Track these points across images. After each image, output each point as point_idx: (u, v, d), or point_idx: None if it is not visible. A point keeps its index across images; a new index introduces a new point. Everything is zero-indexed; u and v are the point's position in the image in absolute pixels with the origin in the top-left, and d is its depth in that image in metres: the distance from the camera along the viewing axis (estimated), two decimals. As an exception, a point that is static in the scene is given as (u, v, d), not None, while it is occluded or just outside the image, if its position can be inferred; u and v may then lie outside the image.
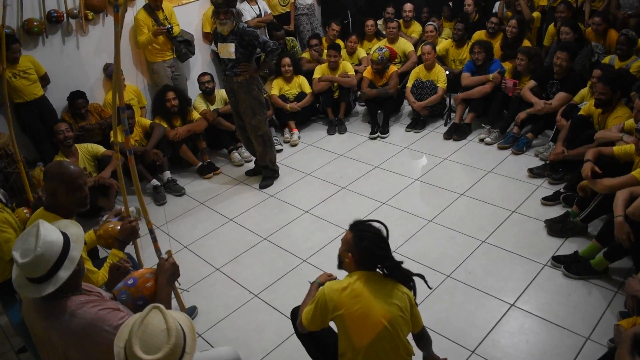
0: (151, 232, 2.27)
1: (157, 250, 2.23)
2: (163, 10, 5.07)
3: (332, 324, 2.06)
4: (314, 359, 2.35)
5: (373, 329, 1.95)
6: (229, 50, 4.04)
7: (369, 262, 2.03)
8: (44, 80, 4.65)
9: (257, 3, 5.89)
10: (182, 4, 5.50)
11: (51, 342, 1.75)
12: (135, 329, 1.42)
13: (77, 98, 4.65)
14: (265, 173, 4.60)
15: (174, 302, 2.36)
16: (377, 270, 2.06)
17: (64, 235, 1.74)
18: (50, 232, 1.69)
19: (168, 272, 2.03)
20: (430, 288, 2.19)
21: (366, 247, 2.00)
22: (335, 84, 5.55)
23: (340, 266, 2.15)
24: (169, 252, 2.12)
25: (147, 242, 2.56)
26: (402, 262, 2.07)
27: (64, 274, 1.67)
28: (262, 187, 4.54)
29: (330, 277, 2.32)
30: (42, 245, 1.64)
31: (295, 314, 2.31)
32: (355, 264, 2.05)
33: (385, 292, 2.00)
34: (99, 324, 1.67)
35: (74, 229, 1.83)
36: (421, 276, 2.11)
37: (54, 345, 1.74)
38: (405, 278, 2.07)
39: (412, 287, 2.10)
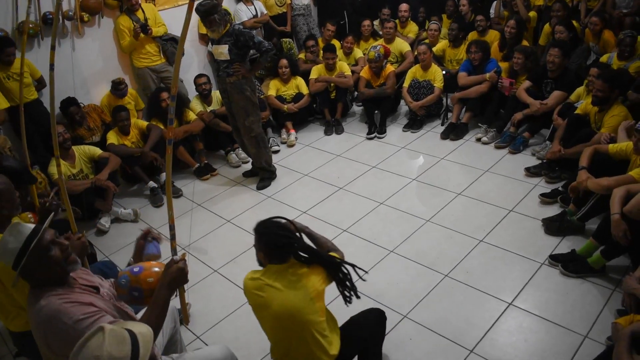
0: (172, 228, 2.25)
1: (174, 250, 2.19)
2: (144, 12, 5.02)
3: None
4: None
5: (274, 319, 2.08)
6: (222, 51, 4.05)
7: (278, 254, 2.11)
8: (40, 83, 4.61)
9: (253, 3, 5.89)
10: (178, 5, 5.49)
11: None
12: None
13: (68, 107, 4.58)
14: (263, 174, 4.60)
15: (173, 304, 2.33)
16: (294, 260, 2.12)
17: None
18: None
19: (172, 274, 1.88)
20: (363, 280, 2.24)
21: (268, 240, 2.11)
22: (332, 85, 5.55)
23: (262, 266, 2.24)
24: (182, 256, 1.99)
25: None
26: (312, 247, 2.17)
27: None
28: (259, 188, 4.54)
29: None
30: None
31: None
32: (269, 260, 2.13)
33: (291, 283, 2.07)
34: (58, 315, 1.65)
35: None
36: (351, 264, 2.18)
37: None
38: (329, 264, 2.14)
39: (345, 276, 2.15)
